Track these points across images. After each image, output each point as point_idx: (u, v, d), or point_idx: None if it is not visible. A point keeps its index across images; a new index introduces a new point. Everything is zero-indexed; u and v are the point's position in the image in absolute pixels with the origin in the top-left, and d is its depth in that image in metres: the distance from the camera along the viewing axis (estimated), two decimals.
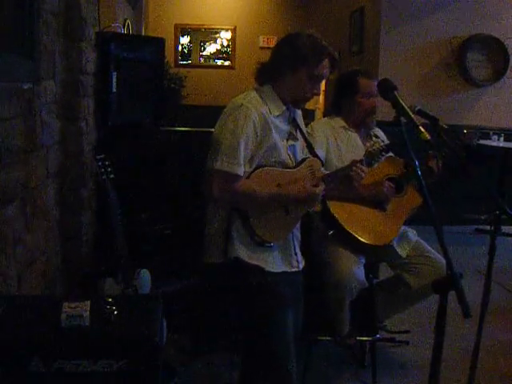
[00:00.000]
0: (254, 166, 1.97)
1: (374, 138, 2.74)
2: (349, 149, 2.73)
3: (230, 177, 1.92)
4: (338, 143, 2.74)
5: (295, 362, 2.07)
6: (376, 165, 2.18)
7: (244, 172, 1.94)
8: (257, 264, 2.00)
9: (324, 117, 3.03)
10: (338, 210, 2.62)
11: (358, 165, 2.10)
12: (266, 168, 1.99)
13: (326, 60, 2.01)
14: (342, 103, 2.82)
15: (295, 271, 2.14)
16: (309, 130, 2.73)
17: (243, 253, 1.99)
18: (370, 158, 2.13)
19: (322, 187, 2.05)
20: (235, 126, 1.92)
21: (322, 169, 2.21)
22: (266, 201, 1.98)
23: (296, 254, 2.16)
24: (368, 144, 2.16)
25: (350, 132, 2.80)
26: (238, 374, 2.20)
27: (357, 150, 2.69)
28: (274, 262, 2.05)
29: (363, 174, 2.11)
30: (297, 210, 2.08)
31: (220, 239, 2.01)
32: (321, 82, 2.06)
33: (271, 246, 2.04)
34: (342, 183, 2.16)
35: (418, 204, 2.73)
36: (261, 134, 1.96)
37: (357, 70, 2.88)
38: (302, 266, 2.18)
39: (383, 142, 2.24)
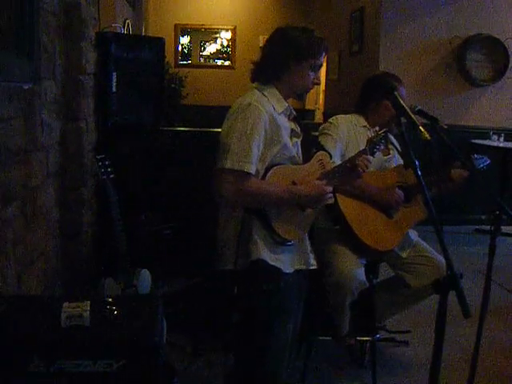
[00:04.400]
0: (266, 165, 1.96)
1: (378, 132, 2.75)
2: None
3: (241, 176, 1.87)
4: (358, 141, 2.74)
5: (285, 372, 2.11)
6: (378, 153, 2.18)
7: (256, 171, 1.92)
8: (276, 266, 2.00)
9: (324, 117, 3.04)
10: (347, 206, 2.63)
11: (364, 155, 2.11)
12: (280, 166, 1.98)
13: (324, 50, 2.06)
14: (369, 103, 2.83)
15: (303, 274, 2.15)
16: (333, 122, 2.77)
17: (266, 254, 1.97)
18: (372, 145, 2.13)
19: (325, 182, 2.05)
20: (245, 124, 1.89)
21: (332, 161, 2.21)
22: (277, 201, 1.96)
23: (311, 252, 2.17)
24: (369, 134, 2.18)
25: (369, 132, 2.79)
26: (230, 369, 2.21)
27: None
28: (290, 263, 2.06)
29: (369, 163, 2.11)
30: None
31: (236, 244, 1.97)
32: (319, 71, 2.12)
33: (291, 245, 2.04)
34: (347, 175, 2.15)
35: (422, 218, 2.74)
36: (271, 133, 1.95)
37: (388, 73, 2.88)
38: (316, 263, 2.18)
39: (378, 130, 2.23)
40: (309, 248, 2.16)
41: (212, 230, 2.10)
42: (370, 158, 2.12)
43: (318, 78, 2.11)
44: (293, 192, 1.97)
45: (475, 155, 2.89)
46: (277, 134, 1.96)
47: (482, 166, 2.87)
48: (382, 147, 2.23)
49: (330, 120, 2.82)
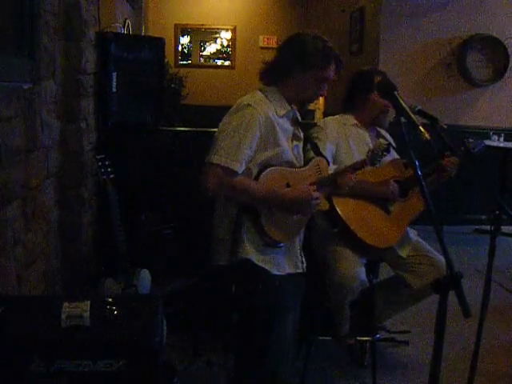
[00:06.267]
0: (259, 167, 1.96)
1: (380, 139, 2.75)
2: (359, 147, 2.73)
3: (226, 172, 1.89)
4: (348, 141, 2.74)
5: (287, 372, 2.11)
6: (379, 164, 2.19)
7: (247, 170, 1.92)
8: (263, 267, 1.99)
9: (324, 117, 3.04)
10: (344, 207, 2.63)
11: (348, 175, 2.11)
12: (276, 168, 1.98)
13: (333, 63, 2.03)
14: (356, 100, 2.82)
15: (299, 273, 2.15)
16: (321, 125, 2.76)
17: (252, 254, 1.97)
18: (373, 157, 2.14)
19: (314, 188, 2.04)
20: (239, 123, 1.91)
21: (329, 167, 2.21)
22: (260, 200, 1.95)
23: (301, 255, 2.16)
24: (372, 143, 2.19)
25: (360, 130, 2.80)
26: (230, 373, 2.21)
27: (366, 148, 2.67)
28: (280, 264, 2.05)
29: (351, 183, 2.13)
30: None
31: (229, 241, 1.98)
32: (326, 83, 2.08)
33: (281, 247, 2.04)
34: (333, 187, 2.15)
35: (420, 210, 2.73)
36: (266, 136, 1.95)
37: (372, 68, 2.88)
38: (305, 267, 2.18)
39: (382, 143, 2.25)
40: (298, 251, 2.16)
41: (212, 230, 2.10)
42: (353, 176, 2.13)
43: (324, 91, 2.07)
44: (278, 194, 1.97)
45: (469, 139, 2.85)
46: (273, 137, 1.96)
47: (476, 149, 2.83)
48: (384, 159, 2.24)
49: (318, 123, 2.82)
